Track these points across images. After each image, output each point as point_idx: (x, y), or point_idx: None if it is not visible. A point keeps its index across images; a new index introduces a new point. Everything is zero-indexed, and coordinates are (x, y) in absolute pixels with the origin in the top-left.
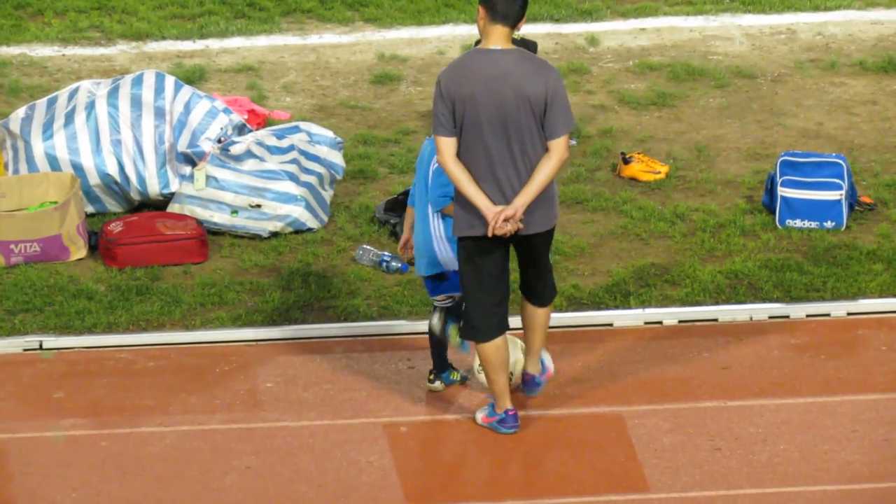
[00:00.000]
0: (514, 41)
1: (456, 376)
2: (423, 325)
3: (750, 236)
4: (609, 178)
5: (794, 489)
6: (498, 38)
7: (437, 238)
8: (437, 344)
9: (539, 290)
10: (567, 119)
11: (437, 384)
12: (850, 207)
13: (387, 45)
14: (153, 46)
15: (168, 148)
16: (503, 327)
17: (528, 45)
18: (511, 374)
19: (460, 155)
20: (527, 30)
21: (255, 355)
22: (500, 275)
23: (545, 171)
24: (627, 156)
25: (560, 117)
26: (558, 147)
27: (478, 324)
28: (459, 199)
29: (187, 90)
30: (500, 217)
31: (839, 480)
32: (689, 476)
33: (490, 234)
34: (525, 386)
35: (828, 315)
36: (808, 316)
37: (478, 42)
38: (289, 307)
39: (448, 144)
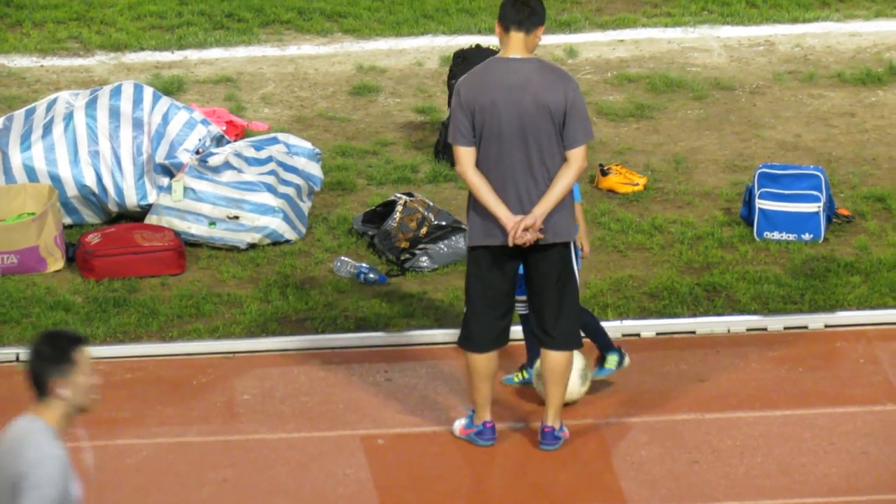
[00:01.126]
0: (495, 53)
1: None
2: (400, 338)
3: (728, 248)
4: (587, 190)
5: (771, 502)
6: (515, 46)
7: None
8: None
9: (550, 323)
10: (586, 128)
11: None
12: (828, 220)
13: (365, 57)
14: (131, 57)
15: (146, 159)
16: (501, 342)
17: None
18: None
19: (479, 164)
20: None
21: (232, 367)
22: (507, 291)
23: (564, 180)
24: (605, 167)
25: (580, 127)
26: (577, 156)
27: (475, 336)
28: (477, 208)
29: (165, 101)
30: (521, 226)
31: (817, 493)
32: (666, 489)
33: (511, 244)
34: (544, 439)
35: (805, 327)
36: (785, 328)
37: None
38: (266, 319)
39: (468, 154)
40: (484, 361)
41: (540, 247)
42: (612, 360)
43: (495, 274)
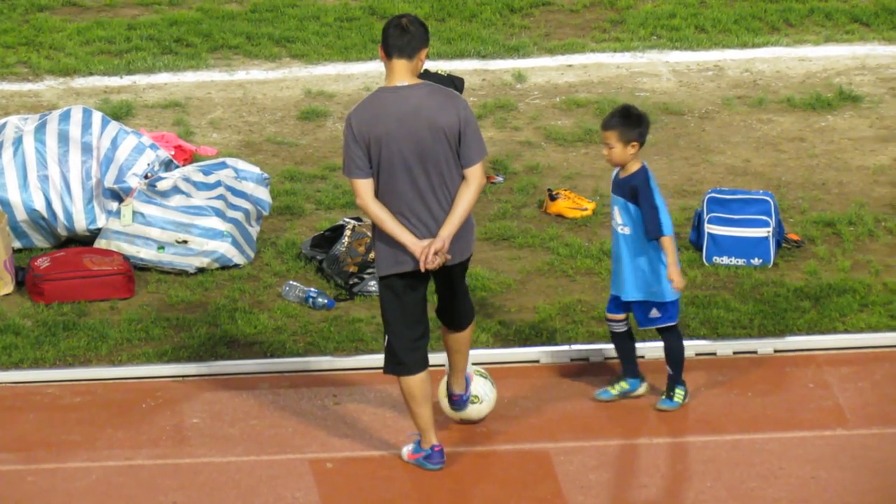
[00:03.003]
0: (440, 77)
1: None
2: (348, 362)
3: None
4: (535, 215)
5: None
6: (401, 73)
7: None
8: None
9: (459, 316)
10: (481, 146)
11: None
12: (778, 244)
13: (314, 81)
14: (80, 82)
15: (95, 183)
16: (426, 361)
17: (455, 81)
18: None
19: (379, 194)
20: (454, 66)
21: (181, 391)
22: (422, 309)
23: (466, 199)
24: (554, 192)
25: (474, 144)
26: (476, 174)
27: (404, 359)
28: (383, 238)
29: (114, 126)
30: (431, 251)
31: None
32: None
33: (423, 269)
34: (453, 404)
35: (755, 352)
36: (735, 353)
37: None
38: (215, 343)
39: (366, 186)
40: (418, 384)
41: (446, 266)
42: (679, 393)
43: (410, 297)
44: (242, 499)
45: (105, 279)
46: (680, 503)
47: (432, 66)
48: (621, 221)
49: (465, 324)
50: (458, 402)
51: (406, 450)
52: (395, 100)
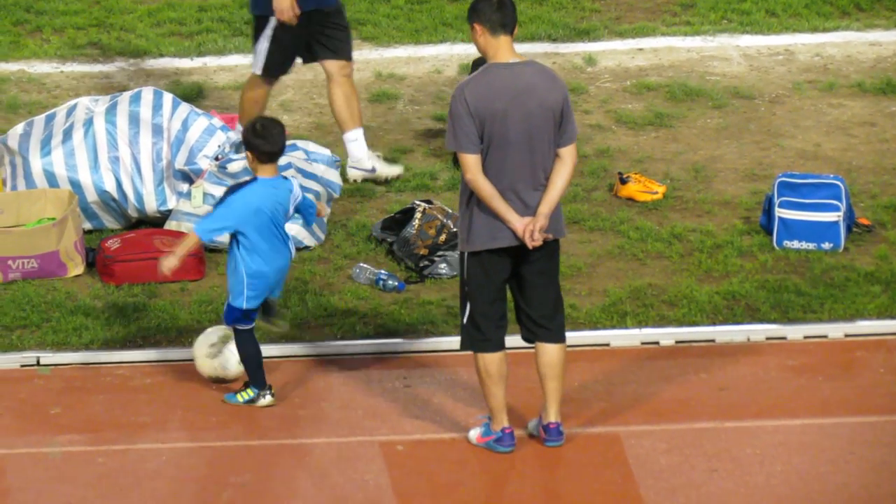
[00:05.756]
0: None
1: None
2: (419, 344)
3: (747, 257)
4: (606, 199)
5: None
6: (508, 50)
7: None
8: None
9: (549, 316)
10: (575, 126)
11: None
12: (848, 229)
13: (384, 64)
14: (151, 63)
15: (165, 165)
16: (504, 342)
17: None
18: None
19: (485, 170)
20: (525, 49)
21: None
22: (505, 291)
23: (564, 177)
24: (624, 176)
25: (572, 124)
26: (572, 153)
27: (489, 334)
28: (480, 212)
29: (185, 107)
30: (536, 228)
31: (836, 503)
32: (685, 497)
33: (531, 246)
34: (549, 435)
35: (825, 336)
36: (805, 337)
37: (480, 59)
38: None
39: (476, 161)
40: (497, 362)
41: (542, 245)
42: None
43: (498, 275)
44: (312, 481)
45: None
46: (750, 487)
47: None
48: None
49: (556, 333)
50: (553, 431)
51: (474, 433)
52: (509, 76)
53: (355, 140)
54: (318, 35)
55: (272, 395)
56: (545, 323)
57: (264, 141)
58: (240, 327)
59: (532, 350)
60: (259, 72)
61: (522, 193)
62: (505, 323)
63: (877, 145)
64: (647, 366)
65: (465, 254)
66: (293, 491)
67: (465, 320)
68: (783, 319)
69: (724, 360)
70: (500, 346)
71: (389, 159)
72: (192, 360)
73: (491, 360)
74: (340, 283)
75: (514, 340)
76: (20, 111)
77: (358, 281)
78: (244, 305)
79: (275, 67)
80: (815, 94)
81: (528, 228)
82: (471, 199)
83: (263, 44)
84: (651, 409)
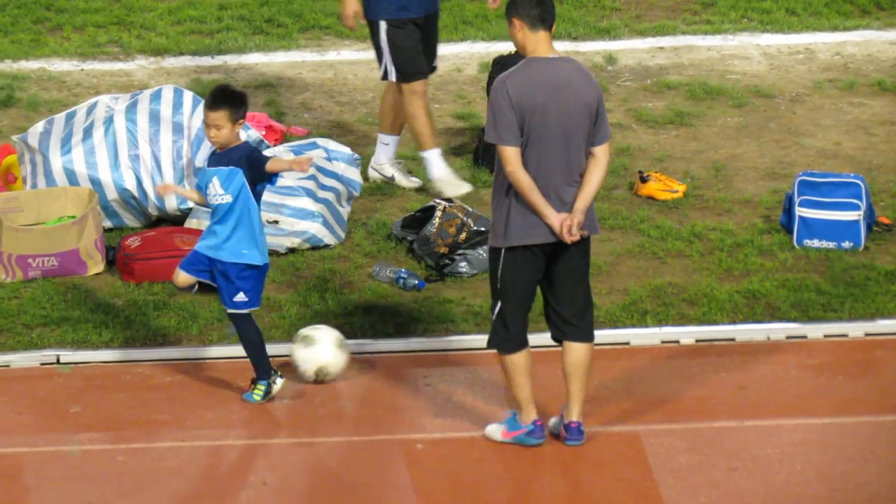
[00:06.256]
0: (521, 56)
1: None
2: (439, 343)
3: (767, 256)
4: (626, 197)
5: None
6: (547, 45)
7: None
8: None
9: (579, 314)
10: (608, 125)
11: None
12: (868, 228)
13: None
14: (171, 62)
15: (186, 163)
16: (527, 339)
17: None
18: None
19: (523, 164)
20: None
21: None
22: (535, 290)
23: (598, 174)
24: (645, 174)
25: (606, 123)
26: (605, 151)
27: (515, 333)
28: (517, 207)
29: None
30: (574, 224)
31: (856, 501)
32: (705, 496)
33: (568, 241)
34: (570, 434)
35: (845, 336)
36: (825, 336)
37: (501, 57)
38: (305, 323)
39: (516, 154)
40: (524, 358)
41: (576, 242)
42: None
43: (533, 274)
44: (332, 479)
45: None
46: (770, 486)
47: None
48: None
49: (585, 332)
50: (574, 430)
51: (496, 430)
52: (549, 71)
53: (430, 159)
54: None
55: (281, 377)
56: (575, 321)
57: None
58: (243, 311)
59: (554, 349)
60: (394, 79)
61: (558, 189)
62: (527, 319)
63: None
64: (668, 364)
65: (502, 250)
66: (312, 490)
67: (494, 317)
68: (803, 318)
69: (744, 358)
70: (524, 344)
71: (455, 180)
72: (218, 358)
73: (519, 356)
74: (361, 281)
75: (536, 339)
76: (40, 109)
77: (378, 279)
78: (262, 261)
79: (409, 70)
80: (835, 92)
81: (566, 224)
82: (507, 193)
83: (384, 50)
84: (671, 408)
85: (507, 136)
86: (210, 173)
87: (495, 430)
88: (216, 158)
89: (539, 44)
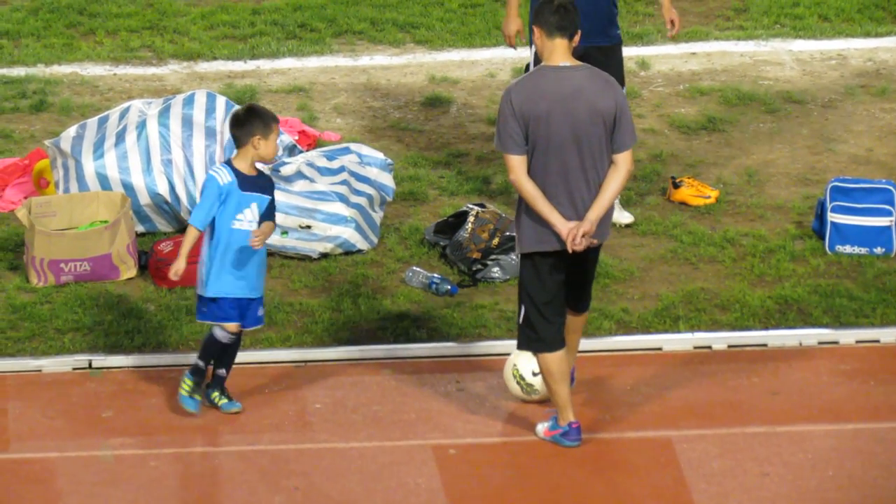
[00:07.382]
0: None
1: None
2: (471, 348)
3: (800, 261)
4: (659, 203)
5: None
6: (562, 53)
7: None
8: None
9: (584, 299)
10: (633, 132)
11: None
12: None
13: (438, 68)
14: (204, 66)
15: None
16: (564, 339)
17: None
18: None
19: (531, 172)
20: None
21: (303, 376)
22: (561, 290)
23: (616, 183)
24: (677, 180)
25: (627, 131)
26: (626, 160)
27: (545, 336)
28: (529, 214)
29: None
30: (579, 233)
31: None
32: (737, 501)
33: (570, 251)
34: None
35: (877, 341)
36: (857, 342)
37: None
38: (338, 328)
39: (521, 162)
40: (556, 361)
41: (587, 249)
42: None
43: (553, 277)
44: (364, 484)
45: None
46: (802, 492)
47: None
48: (255, 218)
49: (587, 306)
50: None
51: (542, 427)
52: (557, 79)
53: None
54: None
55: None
56: (580, 302)
57: None
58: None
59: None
60: None
61: (571, 197)
62: (561, 322)
63: None
64: (700, 370)
65: (522, 255)
66: (345, 495)
67: (520, 320)
68: (835, 324)
69: (776, 364)
70: (558, 345)
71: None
72: (249, 363)
73: (551, 359)
74: (393, 286)
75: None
76: (73, 114)
77: (411, 284)
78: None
79: None
80: (867, 98)
81: (572, 233)
82: (522, 200)
83: (531, 55)
84: (703, 414)
85: (509, 145)
86: (250, 199)
87: (541, 428)
88: (251, 181)
89: (554, 52)
